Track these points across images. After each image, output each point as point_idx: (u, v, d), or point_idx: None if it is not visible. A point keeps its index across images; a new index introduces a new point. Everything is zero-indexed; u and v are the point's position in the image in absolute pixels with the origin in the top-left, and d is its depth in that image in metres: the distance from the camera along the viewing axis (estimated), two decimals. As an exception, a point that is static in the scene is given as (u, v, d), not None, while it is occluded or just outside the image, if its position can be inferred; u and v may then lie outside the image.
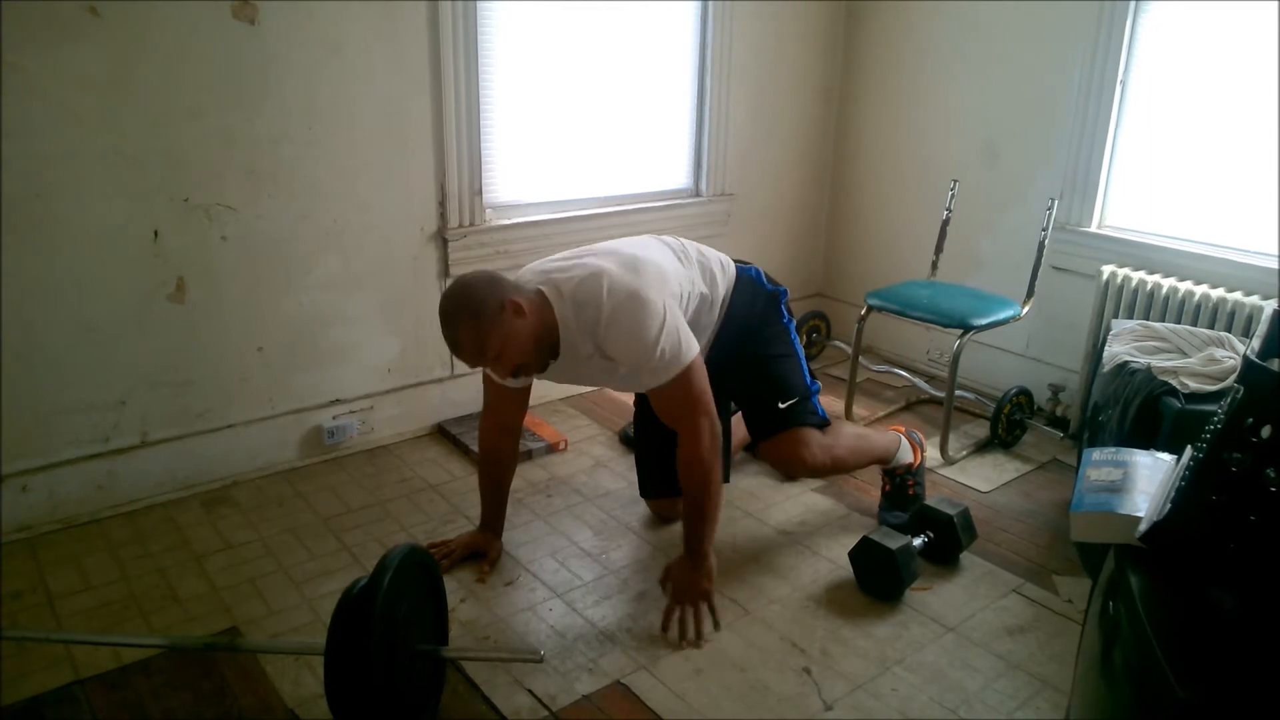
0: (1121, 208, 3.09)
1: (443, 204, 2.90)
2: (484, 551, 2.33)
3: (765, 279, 2.41)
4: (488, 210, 3.01)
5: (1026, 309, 3.02)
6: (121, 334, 2.45)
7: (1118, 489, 1.51)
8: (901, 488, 2.59)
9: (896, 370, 3.57)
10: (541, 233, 3.10)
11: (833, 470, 2.48)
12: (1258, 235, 2.76)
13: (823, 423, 2.38)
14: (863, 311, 3.09)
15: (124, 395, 2.49)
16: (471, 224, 2.96)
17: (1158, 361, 2.33)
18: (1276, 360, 1.42)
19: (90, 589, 2.19)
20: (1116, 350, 2.46)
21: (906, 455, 2.58)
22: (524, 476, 2.77)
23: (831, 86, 3.79)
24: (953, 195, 3.26)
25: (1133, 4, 2.91)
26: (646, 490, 2.57)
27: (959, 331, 2.85)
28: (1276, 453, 1.21)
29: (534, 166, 3.11)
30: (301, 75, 2.55)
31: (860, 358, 3.23)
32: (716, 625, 2.09)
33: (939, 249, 3.28)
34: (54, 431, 2.42)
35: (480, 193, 2.95)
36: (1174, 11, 2.86)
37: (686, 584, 2.10)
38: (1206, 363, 2.29)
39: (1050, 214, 3.00)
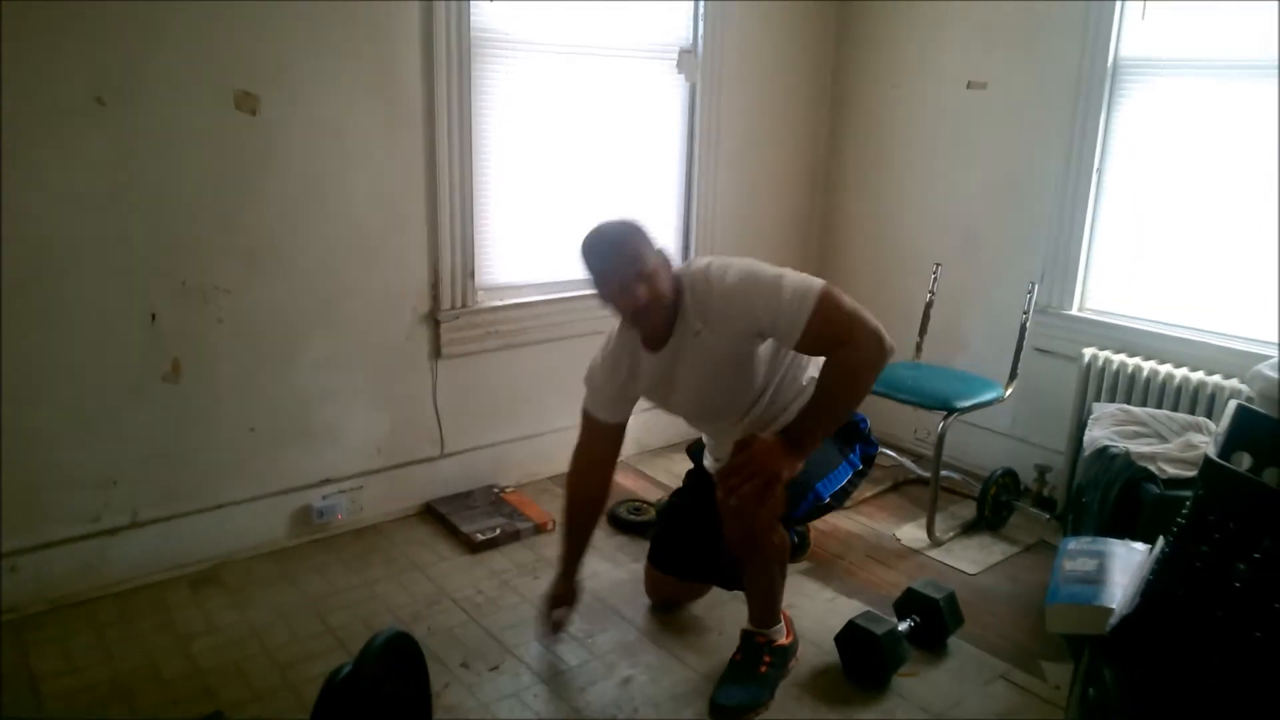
0: (1102, 291, 3.16)
1: (435, 286, 2.96)
2: (569, 603, 2.35)
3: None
4: (479, 292, 3.07)
5: (1009, 391, 3.06)
6: (115, 414, 2.48)
7: (1093, 580, 1.54)
8: (755, 659, 2.18)
9: (884, 450, 3.59)
10: (533, 313, 3.16)
11: (757, 546, 2.10)
12: (1235, 318, 2.82)
13: (793, 519, 2.23)
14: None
15: (115, 475, 2.52)
16: (464, 305, 3.01)
17: (1136, 447, 2.36)
18: (1240, 455, 1.46)
19: (75, 671, 2.19)
20: (1097, 434, 2.50)
21: (782, 633, 2.25)
22: (511, 558, 2.78)
23: (816, 172, 3.90)
24: (935, 279, 3.34)
25: (1107, 97, 3.01)
26: (656, 558, 2.48)
27: (944, 413, 2.89)
28: (1242, 548, 1.24)
29: (526, 247, 3.18)
30: (300, 161, 2.63)
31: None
32: (764, 502, 1.94)
33: (923, 331, 3.34)
34: (44, 511, 2.43)
35: (473, 274, 3.02)
36: (1148, 102, 2.96)
37: (765, 455, 1.92)
38: (1184, 448, 2.33)
39: (1031, 298, 3.07)
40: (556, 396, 3.21)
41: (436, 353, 3.01)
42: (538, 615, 2.39)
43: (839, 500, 2.34)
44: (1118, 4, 2.96)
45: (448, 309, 2.98)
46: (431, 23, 2.76)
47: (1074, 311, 3.19)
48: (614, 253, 1.97)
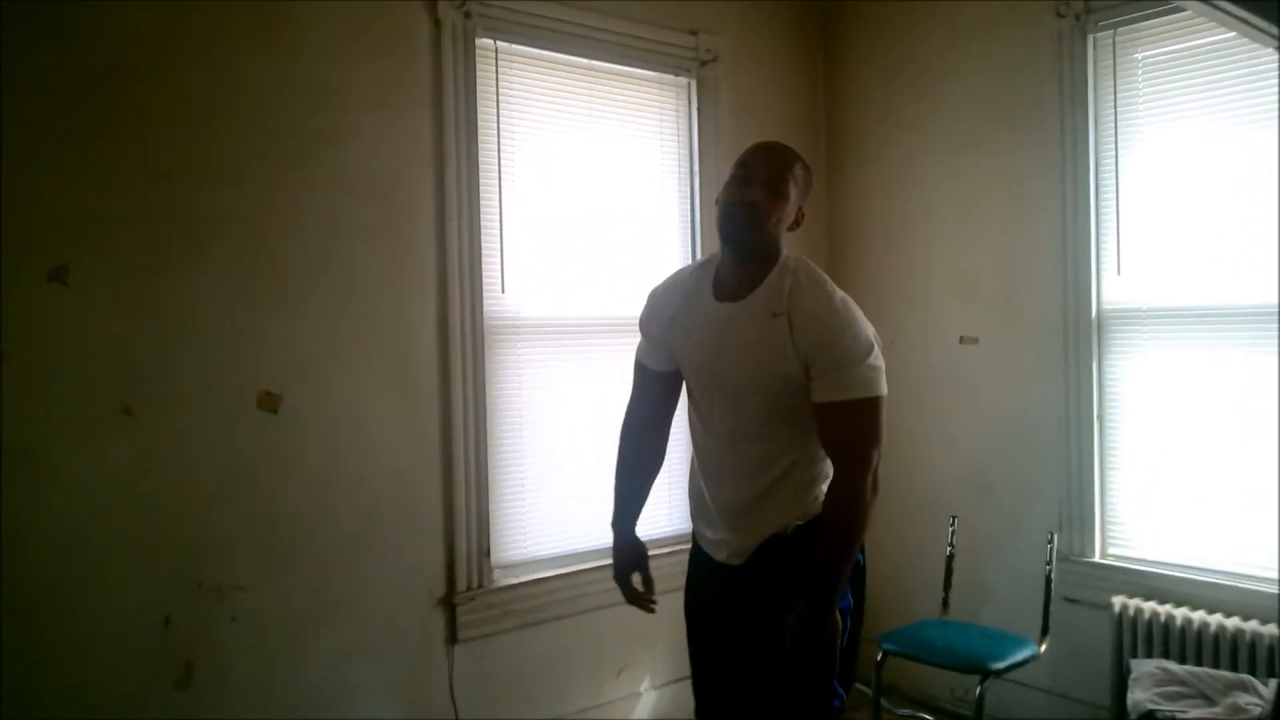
0: (1123, 536, 3.12)
1: (451, 567, 2.94)
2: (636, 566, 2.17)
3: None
4: (495, 570, 3.05)
5: (1044, 647, 2.97)
6: (122, 725, 2.41)
7: None
8: None
9: (922, 716, 3.44)
10: (549, 589, 3.12)
11: None
12: (1264, 557, 2.77)
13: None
14: (879, 656, 3.03)
15: (118, 794, 2.40)
16: (479, 585, 2.99)
17: (1183, 712, 2.26)
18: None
19: None
20: (1140, 697, 2.40)
21: None
22: None
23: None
24: (953, 531, 3.32)
25: (1096, 346, 3.12)
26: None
27: (980, 675, 2.78)
28: None
29: (542, 520, 3.19)
30: (318, 454, 2.70)
31: (881, 699, 3.13)
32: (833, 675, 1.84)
33: (947, 585, 3.28)
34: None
35: (488, 553, 3.01)
36: (1139, 349, 3.06)
37: (808, 642, 1.81)
38: (1232, 711, 2.23)
39: (1051, 548, 3.04)
40: (576, 676, 3.11)
41: (452, 637, 2.94)
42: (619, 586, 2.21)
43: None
44: (1093, 260, 3.13)
45: (463, 590, 2.95)
46: (448, 315, 2.92)
47: (1096, 559, 3.14)
48: (765, 154, 1.94)
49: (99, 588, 2.39)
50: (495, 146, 3.03)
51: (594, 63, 3.24)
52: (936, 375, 3.58)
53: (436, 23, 2.87)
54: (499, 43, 3.02)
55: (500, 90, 3.04)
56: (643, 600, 2.19)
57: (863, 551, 2.01)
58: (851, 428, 1.82)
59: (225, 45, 2.54)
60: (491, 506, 3.04)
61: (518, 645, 3.08)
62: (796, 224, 1.96)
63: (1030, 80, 3.27)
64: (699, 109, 3.48)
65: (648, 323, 2.13)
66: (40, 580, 2.30)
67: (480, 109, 2.99)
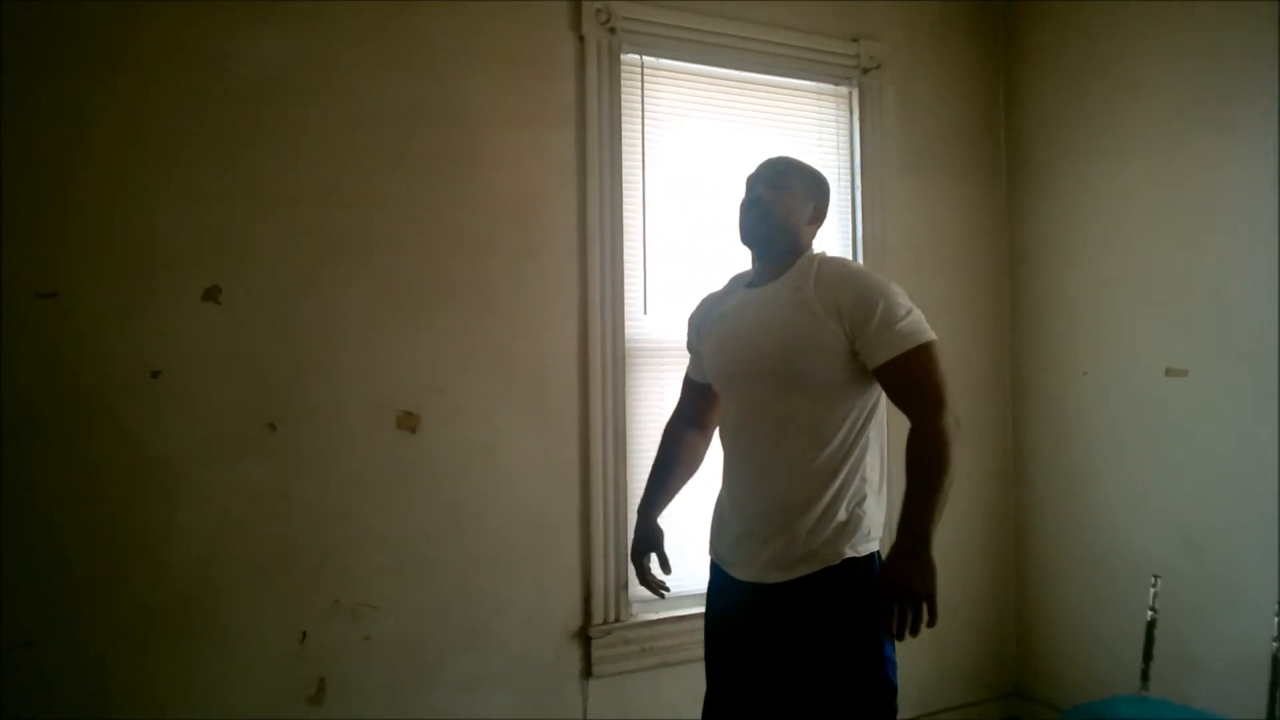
0: (1371, 610, 2.60)
1: (587, 600, 2.83)
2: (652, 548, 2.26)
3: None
4: (634, 605, 2.92)
5: (1271, 738, 2.49)
6: (258, 741, 2.44)
7: None
8: None
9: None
10: (690, 627, 2.93)
11: None
12: None
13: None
14: (1063, 733, 2.66)
15: (253, 805, 2.43)
16: (616, 619, 2.86)
17: None
18: None
19: None
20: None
21: None
22: None
23: (1006, 471, 3.59)
24: (1155, 593, 2.87)
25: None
26: None
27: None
28: None
29: (684, 554, 3.01)
30: (451, 476, 2.67)
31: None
32: (932, 621, 1.74)
33: (1148, 656, 2.83)
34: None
35: (626, 587, 2.88)
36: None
37: (901, 582, 1.73)
38: None
39: (1278, 621, 2.56)
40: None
41: (587, 672, 2.83)
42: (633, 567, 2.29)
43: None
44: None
45: (600, 624, 2.83)
46: (587, 337, 2.84)
47: (1340, 635, 2.62)
48: (763, 165, 2.06)
49: (235, 601, 2.43)
50: (639, 165, 2.94)
51: (745, 74, 3.10)
52: (1137, 411, 3.14)
53: (581, 39, 2.82)
54: (645, 58, 2.93)
55: (646, 107, 2.94)
56: (655, 583, 2.25)
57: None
58: (917, 375, 1.81)
59: (360, 69, 2.58)
60: (631, 537, 2.90)
61: (655, 684, 2.92)
62: (816, 218, 2.05)
63: (1239, 74, 2.83)
64: (861, 119, 3.26)
65: (691, 336, 2.23)
66: (175, 592, 2.37)
67: (625, 126, 2.91)
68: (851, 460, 1.87)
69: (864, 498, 1.89)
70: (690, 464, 2.29)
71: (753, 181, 2.04)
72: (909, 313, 1.83)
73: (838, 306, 1.83)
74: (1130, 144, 3.15)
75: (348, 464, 2.55)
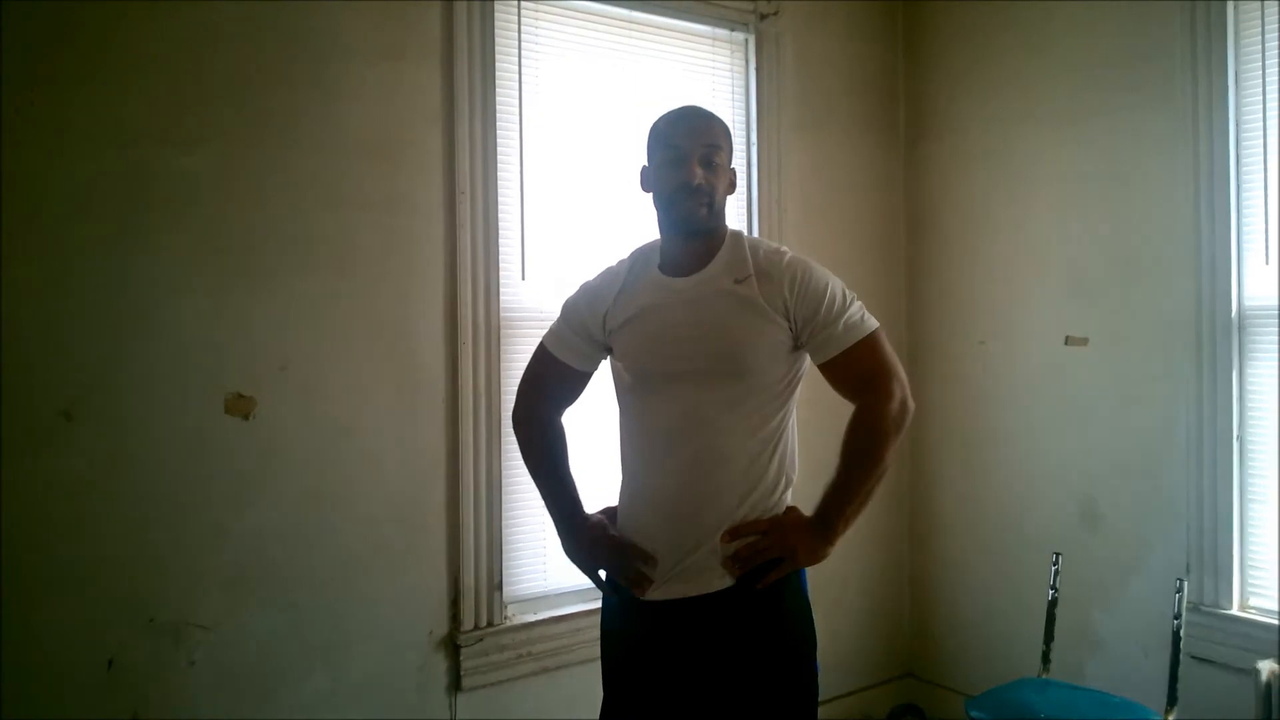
0: (1269, 584, 2.57)
1: (456, 603, 2.51)
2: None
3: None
4: (509, 606, 2.61)
5: (1171, 718, 2.42)
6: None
7: None
8: None
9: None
10: (572, 628, 2.66)
11: None
12: None
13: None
14: (967, 726, 2.52)
15: None
16: (489, 624, 2.55)
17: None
18: None
19: None
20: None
21: None
22: None
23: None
24: (1056, 571, 2.78)
25: (1236, 353, 2.58)
26: None
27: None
28: None
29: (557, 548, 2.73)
30: (301, 467, 2.31)
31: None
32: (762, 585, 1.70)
33: (1049, 638, 2.73)
34: None
35: (500, 587, 2.57)
36: (1288, 362, 2.51)
37: (788, 532, 1.72)
38: None
39: (1180, 597, 2.49)
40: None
41: (456, 685, 2.51)
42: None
43: None
44: (1234, 247, 2.58)
45: (470, 630, 2.51)
46: (456, 304, 2.50)
47: (1235, 611, 2.59)
48: (689, 127, 1.78)
49: (36, 621, 2.02)
50: (516, 109, 2.59)
51: (634, 14, 2.79)
52: (1036, 383, 3.04)
53: (443, -42, 2.44)
54: (520, -13, 2.58)
55: (523, 45, 2.60)
56: (641, 577, 1.82)
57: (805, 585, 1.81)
58: (867, 366, 1.76)
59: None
60: (505, 531, 2.59)
61: (534, 694, 2.63)
62: (731, 188, 1.84)
63: (1154, 36, 2.73)
64: (758, 69, 3.00)
65: (581, 322, 1.88)
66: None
67: (500, 67, 2.56)
68: (781, 450, 1.80)
69: (790, 487, 1.83)
70: (563, 448, 1.97)
71: (681, 154, 1.75)
72: (852, 302, 1.77)
73: (784, 302, 1.73)
74: (1039, 109, 3.02)
75: (168, 458, 2.14)
